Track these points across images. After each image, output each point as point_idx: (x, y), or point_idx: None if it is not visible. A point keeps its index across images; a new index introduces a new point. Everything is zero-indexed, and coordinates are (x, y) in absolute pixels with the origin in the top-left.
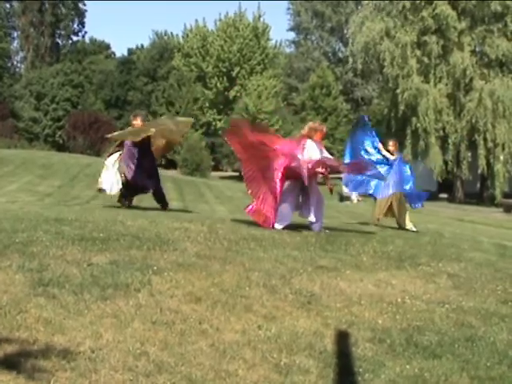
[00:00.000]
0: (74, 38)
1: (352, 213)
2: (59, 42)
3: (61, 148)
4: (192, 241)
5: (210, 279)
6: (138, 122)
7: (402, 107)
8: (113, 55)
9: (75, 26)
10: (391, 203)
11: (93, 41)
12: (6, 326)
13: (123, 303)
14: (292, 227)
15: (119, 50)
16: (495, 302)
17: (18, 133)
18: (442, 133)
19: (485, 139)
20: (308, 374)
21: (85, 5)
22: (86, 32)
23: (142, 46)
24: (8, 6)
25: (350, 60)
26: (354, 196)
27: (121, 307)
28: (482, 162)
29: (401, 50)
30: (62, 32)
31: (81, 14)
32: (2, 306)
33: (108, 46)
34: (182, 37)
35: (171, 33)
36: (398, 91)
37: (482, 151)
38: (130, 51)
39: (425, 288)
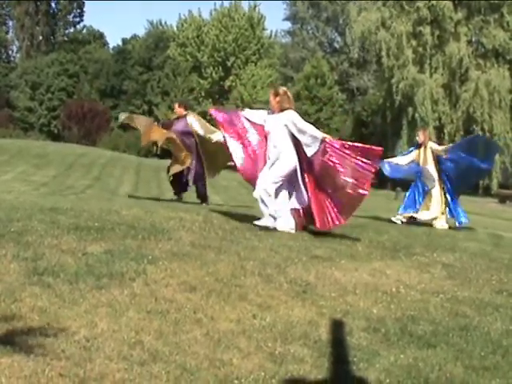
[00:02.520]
0: (72, 29)
1: None
2: (56, 31)
3: (56, 137)
4: (187, 230)
5: (205, 268)
6: (181, 109)
7: (398, 97)
8: (107, 45)
9: (73, 16)
10: None
11: (89, 30)
12: (0, 315)
13: (118, 292)
14: None
15: (114, 40)
16: (490, 292)
17: (13, 122)
18: (437, 123)
19: (482, 129)
20: (303, 363)
21: None
22: (84, 26)
23: (135, 35)
24: None
25: (347, 50)
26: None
27: (116, 296)
28: None
29: (396, 41)
30: (60, 22)
31: (79, 6)
32: None
33: (102, 36)
34: (177, 27)
35: (165, 22)
36: (394, 81)
37: None
38: (125, 41)
39: (419, 278)
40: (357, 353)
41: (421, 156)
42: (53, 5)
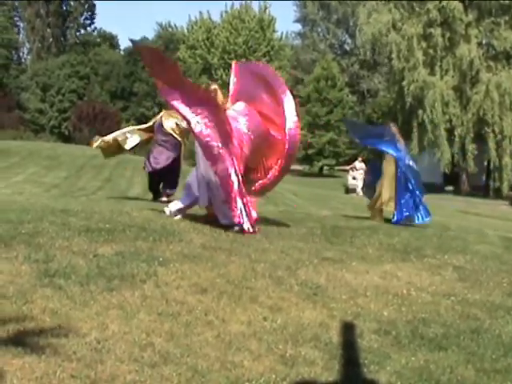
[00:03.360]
0: (82, 31)
1: (357, 205)
2: (67, 33)
3: (67, 139)
4: (198, 232)
5: (216, 270)
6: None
7: (408, 99)
8: (118, 47)
9: (84, 19)
10: None
11: (100, 32)
12: (12, 317)
13: (129, 294)
14: (297, 219)
15: (124, 42)
16: (501, 295)
17: (24, 124)
18: (448, 125)
19: (493, 131)
20: (313, 366)
21: None
22: (95, 28)
23: (145, 37)
24: None
25: (358, 52)
26: (360, 188)
27: (127, 298)
28: (492, 154)
29: (407, 42)
30: (71, 24)
31: (90, 8)
32: (8, 296)
33: (113, 37)
34: (187, 29)
35: (175, 25)
36: (405, 83)
37: (491, 144)
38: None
39: (430, 280)
40: (368, 355)
41: None
42: (63, 7)
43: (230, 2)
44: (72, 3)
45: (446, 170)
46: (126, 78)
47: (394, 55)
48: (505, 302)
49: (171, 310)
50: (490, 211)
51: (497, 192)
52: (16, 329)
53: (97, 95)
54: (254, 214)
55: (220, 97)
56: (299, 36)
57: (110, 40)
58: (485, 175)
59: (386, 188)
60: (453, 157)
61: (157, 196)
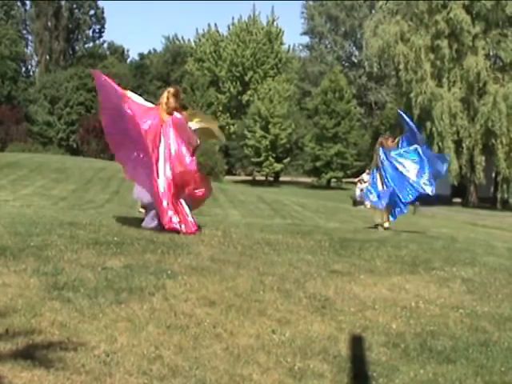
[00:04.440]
0: (91, 44)
1: (365, 217)
2: (75, 46)
3: (75, 152)
4: (206, 245)
5: (224, 283)
6: None
7: (416, 111)
8: (129, 59)
9: (93, 32)
10: None
11: (110, 44)
12: (21, 330)
13: (137, 307)
14: (305, 232)
15: (132, 55)
16: (509, 307)
17: (32, 137)
18: (456, 137)
19: (501, 143)
20: (322, 379)
21: (103, 12)
22: (104, 41)
23: (154, 50)
24: (24, 10)
25: (365, 64)
26: (368, 201)
27: (135, 311)
28: (501, 165)
29: (415, 54)
30: (79, 37)
31: (99, 21)
32: (17, 309)
33: (123, 51)
34: (195, 41)
35: (182, 37)
36: (412, 95)
37: (500, 155)
38: (142, 56)
39: (439, 292)
40: (376, 368)
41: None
42: (72, 20)
43: (237, 15)
44: (81, 16)
45: (454, 182)
46: (133, 90)
47: (401, 67)
48: None
49: (180, 322)
50: (497, 223)
51: (504, 204)
52: (25, 342)
53: None
54: (191, 219)
55: (169, 102)
56: (307, 48)
57: (119, 53)
58: (493, 187)
59: None
60: (460, 168)
61: None
